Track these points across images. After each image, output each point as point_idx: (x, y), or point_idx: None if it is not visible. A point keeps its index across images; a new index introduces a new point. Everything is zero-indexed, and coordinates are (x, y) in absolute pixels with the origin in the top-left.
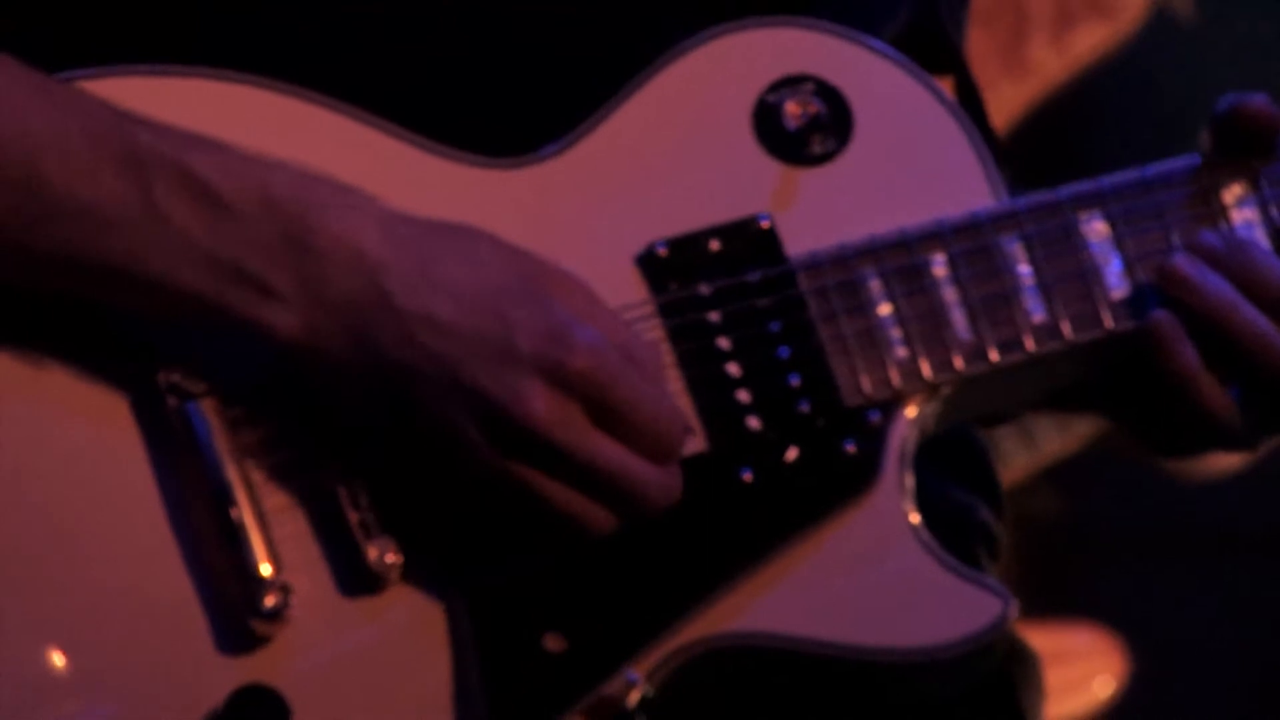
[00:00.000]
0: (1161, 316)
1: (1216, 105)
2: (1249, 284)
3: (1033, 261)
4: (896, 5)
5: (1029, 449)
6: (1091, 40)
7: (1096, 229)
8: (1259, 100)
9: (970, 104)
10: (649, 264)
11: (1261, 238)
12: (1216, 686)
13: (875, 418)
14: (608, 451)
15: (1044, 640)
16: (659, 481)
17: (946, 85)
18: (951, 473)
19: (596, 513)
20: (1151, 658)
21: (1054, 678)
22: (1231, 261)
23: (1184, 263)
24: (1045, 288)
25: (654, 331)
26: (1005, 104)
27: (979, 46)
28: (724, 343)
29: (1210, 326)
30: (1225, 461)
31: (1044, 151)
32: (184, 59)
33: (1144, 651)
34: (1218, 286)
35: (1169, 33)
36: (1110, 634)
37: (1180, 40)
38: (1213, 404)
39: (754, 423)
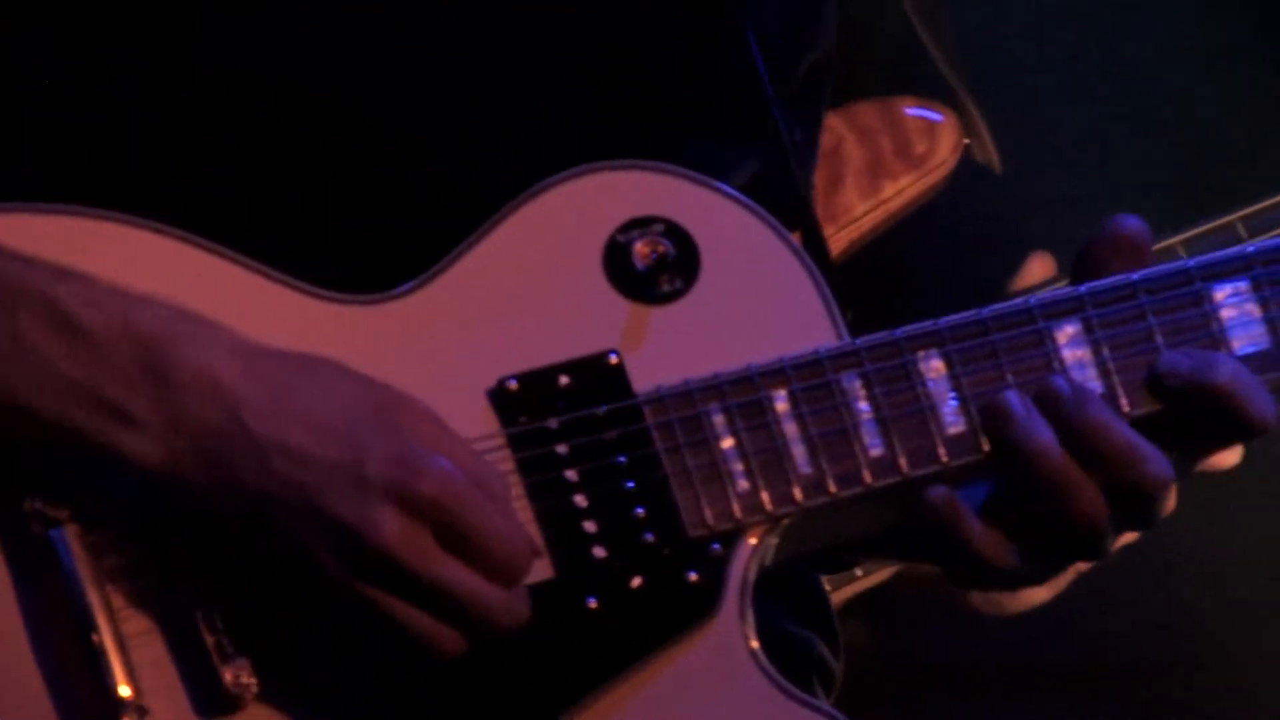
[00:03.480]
0: (937, 496)
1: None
2: (1075, 435)
3: (872, 398)
4: (748, 155)
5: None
6: (902, 189)
7: (934, 367)
8: (1133, 222)
9: (815, 248)
10: (499, 398)
11: (1093, 377)
12: None
13: (717, 548)
14: (456, 574)
15: None
16: (506, 604)
17: (794, 234)
18: (790, 610)
19: (445, 634)
20: None
21: None
22: (1068, 409)
23: (1013, 400)
24: (884, 423)
25: (504, 463)
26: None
27: None
28: (571, 474)
29: (1020, 466)
30: (1032, 599)
31: (860, 295)
32: (183, 59)
33: None
34: (1038, 430)
35: (977, 182)
36: None
37: (988, 189)
38: (991, 556)
39: (600, 552)
